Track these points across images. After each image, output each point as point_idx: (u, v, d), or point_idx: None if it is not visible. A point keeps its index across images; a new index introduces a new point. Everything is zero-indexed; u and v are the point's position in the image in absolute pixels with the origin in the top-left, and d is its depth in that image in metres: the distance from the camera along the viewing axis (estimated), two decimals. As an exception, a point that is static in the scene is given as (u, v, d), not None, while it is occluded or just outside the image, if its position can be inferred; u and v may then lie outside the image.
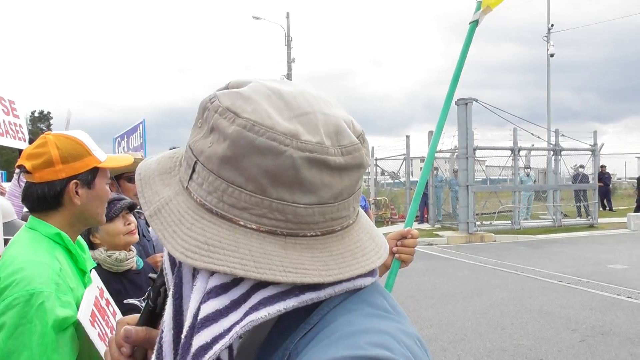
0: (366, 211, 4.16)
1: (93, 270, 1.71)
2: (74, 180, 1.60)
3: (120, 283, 2.24)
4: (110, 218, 2.21)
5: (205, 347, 0.58)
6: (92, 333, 1.42)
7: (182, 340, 0.62)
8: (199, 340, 0.58)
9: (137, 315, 0.86)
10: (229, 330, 0.58)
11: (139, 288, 2.28)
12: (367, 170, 0.73)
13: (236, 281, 0.61)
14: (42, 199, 1.58)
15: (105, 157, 1.71)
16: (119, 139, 6.91)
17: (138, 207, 3.66)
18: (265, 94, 0.64)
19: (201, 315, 0.60)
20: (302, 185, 0.61)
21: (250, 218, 0.62)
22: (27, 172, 1.58)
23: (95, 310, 1.52)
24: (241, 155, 0.60)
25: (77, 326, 1.40)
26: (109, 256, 2.24)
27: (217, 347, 0.58)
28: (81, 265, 1.64)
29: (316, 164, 0.61)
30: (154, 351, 0.67)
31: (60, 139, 1.61)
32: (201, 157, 0.64)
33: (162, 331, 0.66)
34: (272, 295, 0.60)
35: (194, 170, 0.65)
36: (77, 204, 1.61)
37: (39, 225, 1.58)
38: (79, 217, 1.64)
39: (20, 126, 3.01)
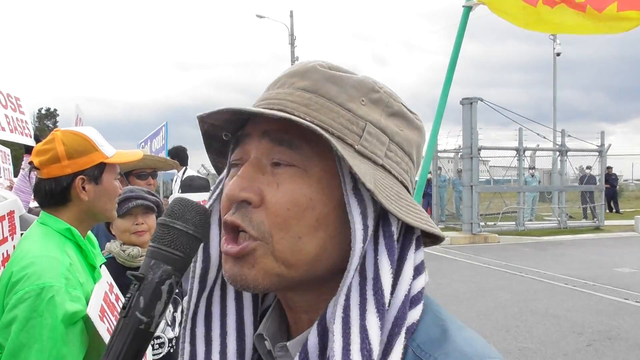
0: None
1: (103, 266, 1.71)
2: (81, 176, 1.60)
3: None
4: (120, 214, 2.21)
5: (419, 320, 0.63)
6: (101, 328, 1.41)
7: (399, 309, 0.61)
8: (416, 313, 0.63)
9: None
10: (419, 299, 0.64)
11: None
12: None
13: (417, 246, 0.67)
14: (50, 195, 1.59)
15: (114, 152, 1.70)
16: (142, 143, 6.97)
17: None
18: None
19: (417, 288, 0.64)
20: (419, 148, 0.74)
21: (410, 188, 0.72)
22: (36, 168, 1.60)
23: (105, 305, 1.52)
24: (424, 143, 0.76)
25: (87, 321, 1.41)
26: (123, 250, 2.25)
27: (414, 319, 0.63)
28: (91, 261, 1.64)
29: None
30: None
31: (67, 135, 1.62)
32: (396, 138, 0.68)
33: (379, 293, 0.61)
34: (422, 256, 0.67)
35: (388, 148, 0.67)
36: (85, 200, 1.61)
37: (50, 221, 1.59)
38: (88, 212, 1.65)
39: (25, 122, 3.05)
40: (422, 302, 0.64)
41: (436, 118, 2.06)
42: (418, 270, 0.65)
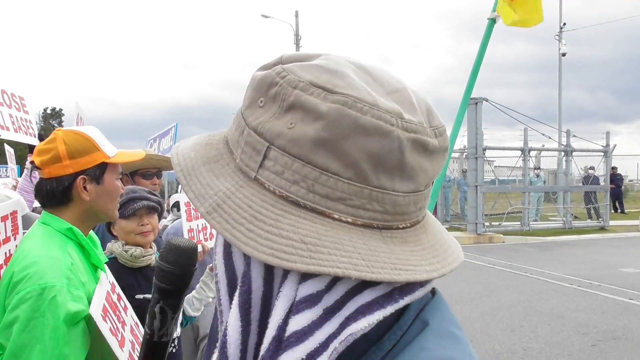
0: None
1: (105, 265, 1.71)
2: (82, 176, 1.60)
3: (133, 278, 2.25)
4: (125, 216, 2.21)
5: None
6: (104, 327, 1.41)
7: (261, 354, 0.54)
8: (292, 356, 0.51)
9: None
10: (325, 345, 0.52)
11: (152, 284, 2.28)
12: None
13: (329, 286, 0.54)
14: (52, 194, 1.59)
15: (116, 152, 1.70)
16: (151, 141, 7.00)
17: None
18: (349, 67, 0.57)
19: (293, 328, 0.52)
20: (403, 171, 0.54)
21: (346, 210, 0.54)
22: (37, 167, 1.59)
23: (107, 305, 1.52)
24: (341, 137, 0.52)
25: (89, 320, 1.41)
26: (126, 251, 2.25)
27: None
28: (93, 260, 1.64)
29: (418, 146, 0.55)
30: None
31: (68, 135, 1.61)
32: (279, 141, 0.55)
33: (225, 344, 0.58)
34: (371, 301, 0.53)
35: (265, 156, 0.56)
36: (86, 200, 1.61)
37: (51, 220, 1.59)
38: (89, 212, 1.64)
39: (30, 122, 3.05)
40: (324, 344, 0.52)
41: (455, 124, 2.06)
42: (303, 305, 0.53)
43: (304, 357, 0.51)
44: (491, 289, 8.20)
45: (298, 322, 0.52)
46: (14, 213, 1.86)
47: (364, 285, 0.54)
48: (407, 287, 0.56)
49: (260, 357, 0.54)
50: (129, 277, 2.23)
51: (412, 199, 0.57)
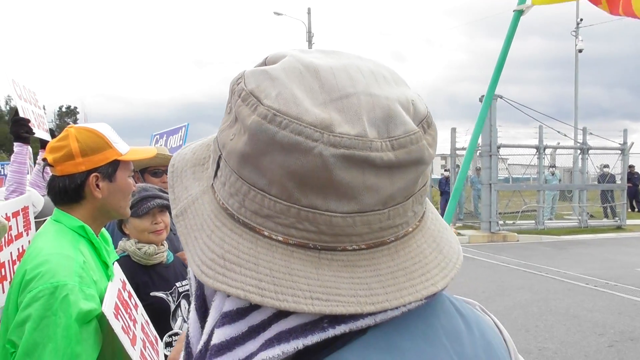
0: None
1: (116, 263, 1.71)
2: (94, 174, 1.59)
3: (147, 275, 2.25)
4: (139, 214, 2.21)
5: None
6: (116, 326, 1.41)
7: (195, 356, 0.55)
8: None
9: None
10: None
11: (166, 281, 2.30)
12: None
13: (256, 305, 0.51)
14: (64, 192, 1.58)
15: (128, 149, 1.69)
16: (157, 136, 6.99)
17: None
18: (297, 71, 0.51)
19: (215, 340, 0.51)
20: (338, 190, 0.49)
21: (276, 228, 0.51)
22: (50, 165, 1.58)
23: (119, 303, 1.52)
24: (261, 153, 0.49)
25: (101, 319, 1.40)
26: (139, 249, 2.25)
27: None
28: (104, 258, 1.63)
29: (355, 162, 0.48)
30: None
31: (81, 132, 1.61)
32: (224, 151, 0.54)
33: (189, 344, 0.60)
34: (292, 328, 0.49)
35: (218, 166, 0.55)
36: (98, 197, 1.60)
37: (63, 218, 1.58)
38: (101, 210, 1.64)
39: (42, 117, 3.04)
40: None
41: (478, 122, 2.02)
42: (226, 319, 0.52)
43: None
44: (505, 288, 8.13)
45: (218, 336, 0.51)
46: (25, 209, 1.87)
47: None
48: (343, 317, 0.50)
49: (195, 355, 0.55)
50: (143, 274, 2.23)
51: (357, 220, 0.50)
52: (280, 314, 0.50)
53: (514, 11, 2.15)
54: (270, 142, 0.48)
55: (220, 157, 0.54)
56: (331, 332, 0.49)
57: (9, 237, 1.89)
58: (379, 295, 0.50)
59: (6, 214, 1.88)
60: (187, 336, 0.59)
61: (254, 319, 0.51)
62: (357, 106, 0.50)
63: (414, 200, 0.55)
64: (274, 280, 0.49)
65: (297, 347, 0.48)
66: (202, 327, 0.57)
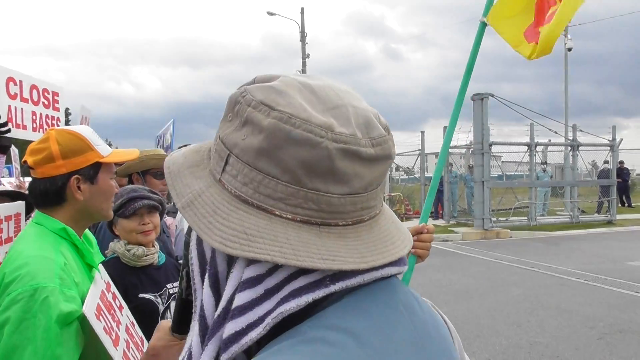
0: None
1: (100, 265, 1.71)
2: (75, 176, 1.59)
3: (136, 277, 2.24)
4: (126, 215, 2.22)
5: (241, 333, 0.61)
6: (98, 326, 1.41)
7: (213, 321, 0.65)
8: (234, 325, 0.61)
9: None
10: (262, 319, 0.61)
11: (155, 283, 2.28)
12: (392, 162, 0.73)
13: (271, 271, 0.63)
14: (45, 194, 1.58)
15: (110, 151, 1.69)
16: (159, 138, 7.13)
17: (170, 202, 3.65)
18: (297, 87, 0.66)
19: (237, 303, 0.62)
20: (336, 176, 0.63)
21: (286, 208, 0.63)
22: (31, 167, 1.58)
23: (101, 304, 1.52)
24: (277, 147, 0.62)
25: (83, 320, 1.40)
26: (128, 250, 2.24)
27: (252, 334, 0.61)
28: (88, 260, 1.63)
29: (349, 155, 0.62)
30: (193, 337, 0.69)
31: (61, 134, 1.60)
32: (235, 150, 0.65)
33: (204, 317, 0.68)
34: (303, 286, 0.62)
35: (227, 162, 0.66)
36: (80, 199, 1.60)
37: (45, 221, 1.58)
38: (83, 212, 1.63)
39: (58, 119, 2.96)
40: (261, 318, 0.61)
41: (450, 123, 2.05)
42: (246, 285, 0.63)
43: (244, 327, 0.61)
44: (498, 284, 8.18)
45: (241, 298, 0.62)
46: (17, 215, 1.87)
47: (299, 272, 0.63)
48: (341, 275, 0.63)
49: (213, 321, 0.65)
50: (131, 276, 2.22)
51: (348, 200, 0.65)
52: (290, 278, 0.63)
53: (479, 22, 2.18)
54: (286, 138, 0.61)
55: (229, 155, 0.66)
56: (333, 288, 0.62)
57: (-1, 240, 1.88)
58: (367, 257, 0.65)
59: None
60: (201, 310, 0.68)
61: (269, 283, 0.63)
62: (347, 114, 0.65)
63: (381, 189, 0.70)
64: (292, 246, 0.62)
65: (308, 301, 0.61)
66: (217, 299, 0.67)
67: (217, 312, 0.64)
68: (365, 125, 0.65)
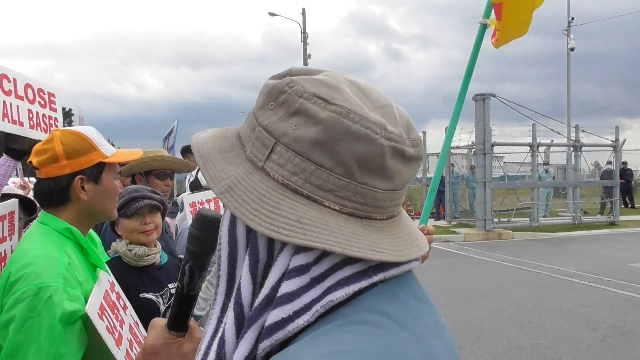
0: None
1: (105, 264, 1.71)
2: (79, 176, 1.60)
3: (138, 277, 2.26)
4: (127, 215, 2.22)
5: (287, 320, 0.62)
6: (100, 326, 1.42)
7: (254, 308, 0.64)
8: (280, 312, 0.62)
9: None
10: (309, 306, 0.62)
11: (157, 283, 2.30)
12: None
13: (317, 260, 0.64)
14: (49, 195, 1.59)
15: (113, 152, 1.70)
16: (165, 140, 7.21)
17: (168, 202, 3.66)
18: (346, 83, 0.68)
19: (284, 290, 0.63)
20: (384, 172, 0.65)
21: (335, 200, 0.65)
22: (35, 168, 1.59)
23: (105, 304, 1.53)
24: (335, 140, 0.63)
25: (86, 320, 1.41)
26: (130, 250, 2.25)
27: (299, 321, 0.62)
28: (92, 260, 1.64)
29: (397, 153, 0.66)
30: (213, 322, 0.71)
31: (65, 135, 1.62)
32: (284, 139, 0.65)
33: (241, 305, 0.67)
34: (349, 275, 0.64)
35: (272, 150, 0.66)
36: (84, 199, 1.61)
37: (50, 220, 1.59)
38: (88, 212, 1.65)
39: (56, 119, 2.96)
40: (307, 306, 0.62)
41: (450, 124, 2.05)
42: (294, 273, 0.64)
43: (291, 314, 0.62)
44: (500, 285, 8.17)
45: (289, 286, 0.63)
46: (11, 213, 1.88)
47: (344, 262, 0.64)
48: (381, 266, 0.66)
49: (253, 308, 0.65)
50: (133, 276, 2.24)
51: (389, 196, 0.68)
52: (335, 267, 0.64)
53: (479, 23, 2.18)
54: (345, 132, 0.63)
55: (275, 143, 0.66)
56: (375, 278, 0.65)
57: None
58: (402, 250, 0.68)
59: None
60: (238, 297, 0.68)
61: (315, 271, 0.64)
62: (394, 114, 0.68)
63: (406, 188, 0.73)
64: (345, 237, 0.63)
65: (354, 290, 0.63)
66: (254, 287, 0.68)
67: (259, 300, 0.64)
68: (407, 126, 0.69)
